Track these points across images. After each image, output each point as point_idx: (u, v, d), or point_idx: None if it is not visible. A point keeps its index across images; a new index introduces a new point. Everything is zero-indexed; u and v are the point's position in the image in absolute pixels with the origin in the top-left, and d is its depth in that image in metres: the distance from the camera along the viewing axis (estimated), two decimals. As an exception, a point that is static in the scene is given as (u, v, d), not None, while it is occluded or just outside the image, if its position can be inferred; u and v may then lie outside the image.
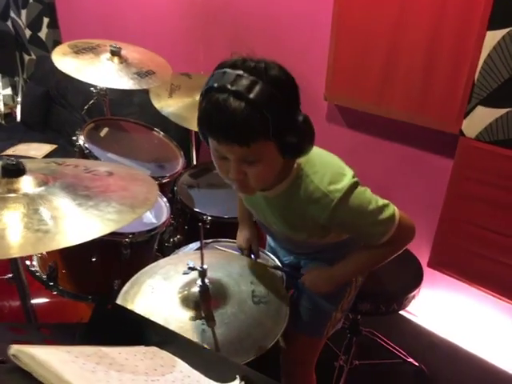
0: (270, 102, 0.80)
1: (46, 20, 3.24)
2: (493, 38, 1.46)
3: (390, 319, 1.98)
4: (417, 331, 2.01)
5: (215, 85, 0.82)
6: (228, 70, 0.83)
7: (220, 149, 0.86)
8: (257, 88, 0.80)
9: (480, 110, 1.55)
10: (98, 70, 1.65)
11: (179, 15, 2.40)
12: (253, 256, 1.29)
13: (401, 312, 1.90)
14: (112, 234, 1.22)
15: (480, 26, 1.47)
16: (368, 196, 0.98)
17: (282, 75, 0.85)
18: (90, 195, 0.80)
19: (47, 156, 2.62)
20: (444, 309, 1.97)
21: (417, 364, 1.80)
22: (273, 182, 0.97)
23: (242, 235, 1.32)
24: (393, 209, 1.00)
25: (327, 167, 0.97)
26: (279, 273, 1.21)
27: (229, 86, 0.80)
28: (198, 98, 1.76)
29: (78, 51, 1.68)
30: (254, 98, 0.79)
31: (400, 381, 1.80)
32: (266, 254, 1.34)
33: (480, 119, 1.56)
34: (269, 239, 1.41)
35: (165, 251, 1.69)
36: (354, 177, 0.97)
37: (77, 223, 0.74)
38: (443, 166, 1.72)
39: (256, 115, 0.79)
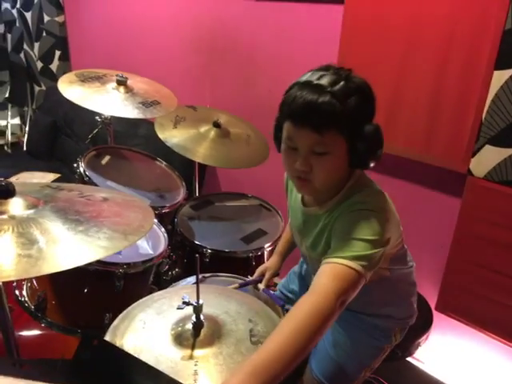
0: (349, 99, 0.87)
1: (57, 53, 3.33)
2: (500, 77, 1.45)
3: (395, 365, 1.87)
4: (423, 379, 1.90)
5: (301, 79, 0.91)
6: (314, 71, 0.92)
7: (294, 135, 0.90)
8: (339, 84, 0.87)
9: (488, 149, 1.52)
10: (104, 99, 1.65)
11: (187, 51, 2.44)
12: (254, 279, 1.29)
13: (407, 358, 1.81)
14: (105, 263, 1.20)
15: (487, 65, 1.47)
16: (375, 229, 0.89)
17: (363, 83, 0.92)
18: (81, 220, 0.75)
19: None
20: (452, 355, 1.86)
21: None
22: (328, 195, 0.99)
23: (268, 261, 1.36)
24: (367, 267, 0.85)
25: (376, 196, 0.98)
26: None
27: (313, 80, 0.88)
28: (202, 129, 1.83)
29: (85, 80, 1.69)
30: (335, 91, 0.86)
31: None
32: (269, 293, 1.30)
33: (488, 158, 1.53)
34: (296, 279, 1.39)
35: (162, 284, 1.62)
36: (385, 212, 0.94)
37: (63, 249, 0.70)
38: (451, 206, 1.68)
39: (334, 105, 0.85)
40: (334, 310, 0.78)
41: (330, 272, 0.83)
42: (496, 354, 1.72)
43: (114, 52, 2.90)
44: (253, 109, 2.23)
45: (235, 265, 1.57)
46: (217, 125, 1.85)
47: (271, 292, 1.23)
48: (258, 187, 2.23)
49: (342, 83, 0.87)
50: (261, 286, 1.28)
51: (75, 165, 1.57)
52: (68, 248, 0.71)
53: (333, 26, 1.77)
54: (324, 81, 0.87)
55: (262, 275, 1.32)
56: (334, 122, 0.86)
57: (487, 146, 1.52)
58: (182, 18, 2.40)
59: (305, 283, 1.35)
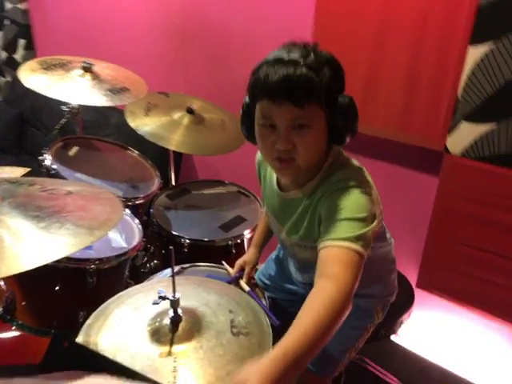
0: (322, 70, 0.86)
1: (22, 42, 3.17)
2: (475, 53, 1.44)
3: (379, 344, 1.89)
4: (407, 356, 1.92)
5: (270, 57, 0.88)
6: (280, 48, 0.90)
7: (272, 112, 0.87)
8: (311, 57, 0.86)
9: (464, 126, 1.51)
10: (69, 87, 1.57)
11: (157, 36, 2.36)
12: (235, 275, 1.27)
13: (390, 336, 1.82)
14: (75, 260, 1.14)
15: (462, 41, 1.45)
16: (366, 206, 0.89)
17: (331, 56, 0.90)
18: (42, 216, 0.70)
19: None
20: (434, 331, 1.89)
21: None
22: (307, 176, 0.97)
23: (245, 255, 1.32)
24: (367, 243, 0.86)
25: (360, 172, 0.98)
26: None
27: (285, 56, 0.86)
28: (175, 116, 1.77)
29: (48, 67, 1.60)
30: (309, 63, 0.85)
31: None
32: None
33: (465, 135, 1.52)
34: (274, 269, 1.36)
35: (141, 277, 1.58)
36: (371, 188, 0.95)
37: (25, 247, 0.65)
38: (429, 184, 1.68)
39: (312, 77, 0.84)
40: (350, 300, 0.80)
41: (339, 259, 0.82)
42: (477, 327, 1.75)
43: (81, 39, 2.78)
44: (228, 93, 2.17)
45: (215, 254, 1.54)
46: (190, 111, 1.79)
47: (256, 295, 1.20)
48: (235, 173, 2.19)
49: (312, 56, 0.86)
50: (243, 284, 1.25)
51: (41, 158, 1.50)
52: (29, 246, 0.66)
53: (306, 6, 1.72)
54: (295, 55, 0.85)
55: (242, 270, 1.29)
56: (313, 94, 0.85)
57: (463, 123, 1.51)
58: (152, 1, 2.31)
59: (282, 267, 1.33)
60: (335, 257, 0.83)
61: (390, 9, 1.54)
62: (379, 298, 1.20)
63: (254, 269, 1.31)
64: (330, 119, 0.89)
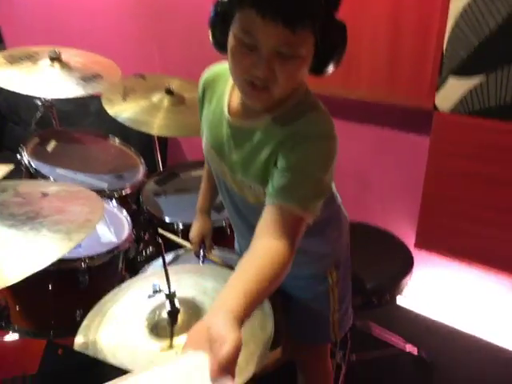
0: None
1: (-13, 34, 3.04)
2: (457, 5, 1.38)
3: (384, 307, 1.90)
4: (412, 317, 1.94)
5: None
6: None
7: (256, 29, 0.71)
8: None
9: (452, 81, 1.47)
10: (38, 80, 1.49)
11: (128, 15, 2.25)
12: (202, 252, 1.21)
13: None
14: (65, 260, 1.11)
15: (443, -8, 1.39)
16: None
17: None
18: (16, 224, 0.66)
19: (5, 177, 2.45)
20: (437, 290, 1.90)
21: (416, 353, 1.72)
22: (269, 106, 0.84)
23: (196, 227, 1.24)
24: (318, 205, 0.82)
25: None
26: None
27: None
28: (155, 99, 1.70)
29: (14, 61, 1.52)
30: None
31: (400, 371, 1.72)
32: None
33: (453, 91, 1.48)
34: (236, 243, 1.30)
35: (137, 267, 1.55)
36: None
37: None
38: (420, 144, 1.65)
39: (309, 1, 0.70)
40: (290, 262, 0.76)
41: (287, 224, 0.77)
42: (478, 282, 1.77)
43: (48, 26, 2.66)
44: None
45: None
46: (169, 92, 1.72)
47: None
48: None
49: None
50: (214, 258, 1.21)
51: (19, 156, 1.43)
52: (8, 258, 0.62)
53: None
54: None
55: (203, 243, 1.23)
56: (308, 14, 0.71)
57: (451, 79, 1.47)
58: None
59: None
60: (283, 220, 0.77)
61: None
62: (320, 256, 1.10)
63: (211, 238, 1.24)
64: (320, 46, 0.76)
